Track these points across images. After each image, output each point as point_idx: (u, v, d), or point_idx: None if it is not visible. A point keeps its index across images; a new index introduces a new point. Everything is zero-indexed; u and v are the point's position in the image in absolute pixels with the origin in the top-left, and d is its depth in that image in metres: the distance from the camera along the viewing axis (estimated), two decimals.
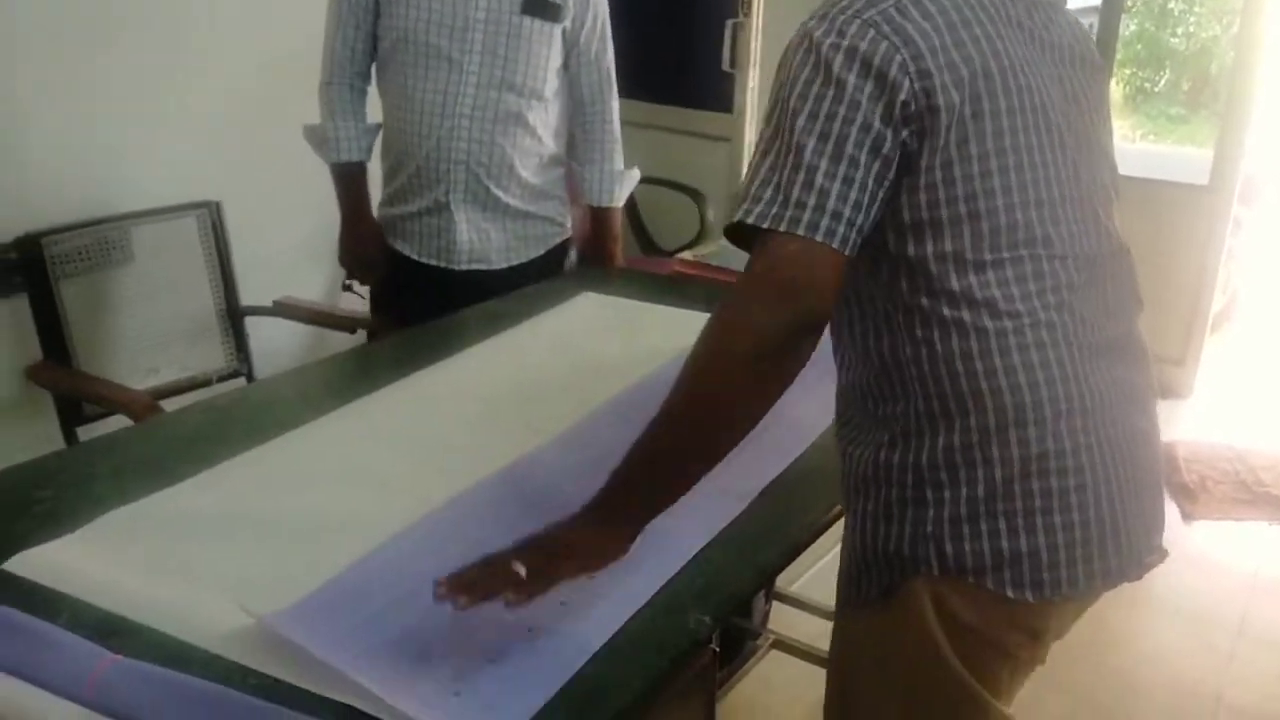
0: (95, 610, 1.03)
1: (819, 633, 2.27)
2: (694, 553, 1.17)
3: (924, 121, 0.97)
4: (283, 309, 2.61)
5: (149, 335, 2.48)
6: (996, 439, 1.00)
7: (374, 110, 2.19)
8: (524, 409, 1.54)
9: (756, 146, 1.02)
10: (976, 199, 0.99)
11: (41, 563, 1.11)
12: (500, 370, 1.71)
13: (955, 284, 1.00)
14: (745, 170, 1.05)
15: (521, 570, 0.96)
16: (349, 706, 0.89)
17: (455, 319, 1.96)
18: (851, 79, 0.96)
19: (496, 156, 2.09)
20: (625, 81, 2.31)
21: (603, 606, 1.06)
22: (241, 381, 2.62)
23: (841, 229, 0.95)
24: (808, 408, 1.49)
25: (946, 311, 1.00)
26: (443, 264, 2.16)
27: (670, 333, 1.84)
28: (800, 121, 0.96)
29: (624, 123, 2.30)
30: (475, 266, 2.17)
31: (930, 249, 1.00)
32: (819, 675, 2.12)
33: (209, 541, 1.18)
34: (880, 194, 0.97)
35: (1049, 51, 1.07)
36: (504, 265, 2.20)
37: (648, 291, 2.13)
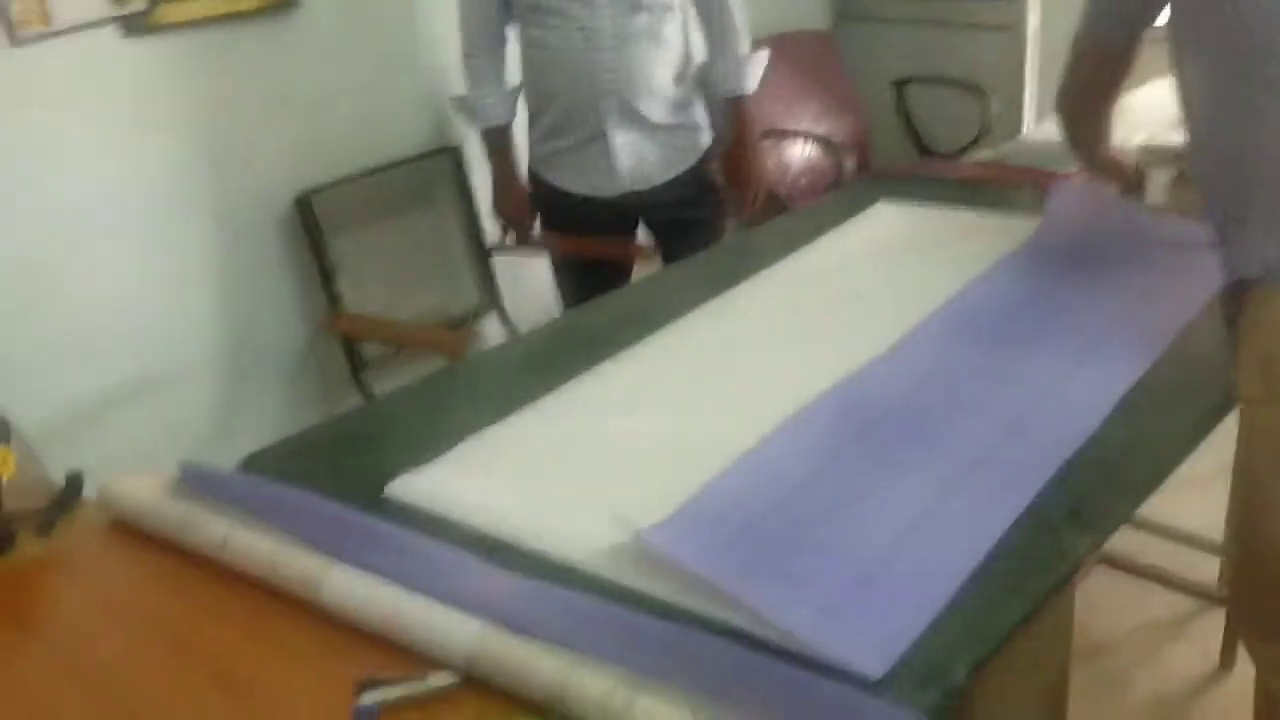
0: (474, 530, 1.09)
1: (1138, 549, 2.14)
2: (1056, 467, 1.10)
3: None
4: (537, 245, 2.53)
5: (408, 279, 2.61)
6: None
7: None
8: (848, 325, 1.51)
9: None
10: None
11: (418, 488, 1.19)
12: (811, 287, 1.67)
13: None
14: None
15: None
16: (734, 627, 0.90)
17: (747, 239, 1.94)
18: None
19: (641, 78, 2.14)
20: None
21: (967, 526, 1.02)
22: (494, 320, 2.74)
23: None
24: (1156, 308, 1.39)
25: None
26: (604, 194, 2.23)
27: (982, 239, 1.75)
28: None
29: (896, 20, 2.23)
30: (636, 188, 2.22)
31: None
32: (1145, 591, 2.01)
33: (567, 463, 1.23)
34: None
35: None
36: (662, 180, 2.24)
37: (945, 196, 2.03)
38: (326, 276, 2.45)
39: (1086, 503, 1.05)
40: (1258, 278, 1.21)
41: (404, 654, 0.92)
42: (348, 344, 2.49)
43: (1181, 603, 2.17)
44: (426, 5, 2.59)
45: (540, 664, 0.86)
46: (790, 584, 0.95)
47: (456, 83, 2.37)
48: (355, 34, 2.50)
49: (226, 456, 1.28)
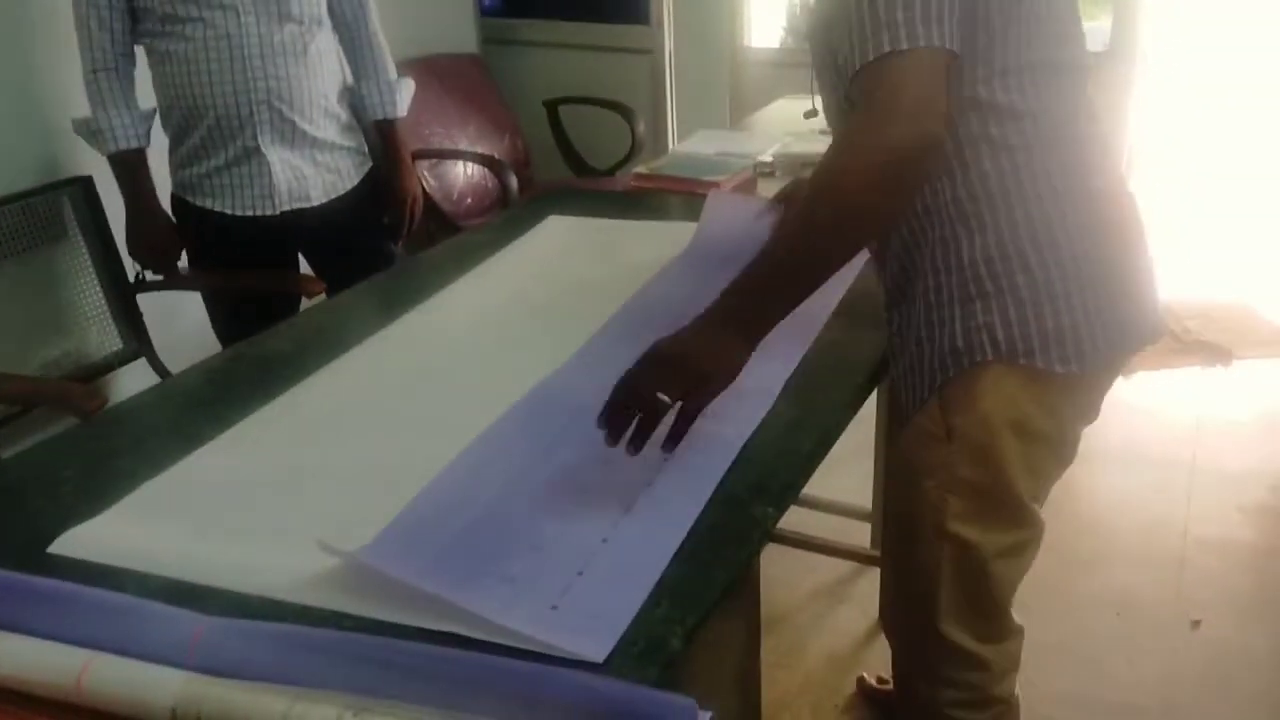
0: (160, 579, 1.01)
1: (800, 523, 2.34)
2: (738, 449, 1.19)
3: None
4: (186, 279, 2.35)
5: (33, 326, 2.38)
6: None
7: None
8: (533, 335, 1.54)
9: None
10: None
11: (89, 541, 1.08)
12: (491, 301, 1.69)
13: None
14: None
15: (668, 400, 1.08)
16: (453, 635, 0.90)
17: (421, 261, 1.93)
18: None
19: (296, 89, 2.09)
20: (537, 3, 2.31)
21: (667, 510, 1.08)
22: (143, 363, 2.53)
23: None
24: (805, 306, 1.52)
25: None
26: (262, 211, 2.15)
27: (648, 245, 1.85)
28: None
29: (542, 44, 2.31)
30: (296, 206, 2.17)
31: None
32: (810, 560, 2.20)
33: (254, 498, 1.17)
34: None
35: None
36: (323, 200, 2.20)
37: (609, 209, 2.13)
38: None
39: (767, 477, 1.15)
40: (980, 360, 1.18)
41: None
42: None
43: (842, 567, 2.40)
44: (42, 21, 2.35)
45: (257, 702, 0.82)
46: (509, 585, 0.97)
47: (81, 104, 2.17)
48: None
49: None
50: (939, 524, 1.27)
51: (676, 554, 1.01)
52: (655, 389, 1.09)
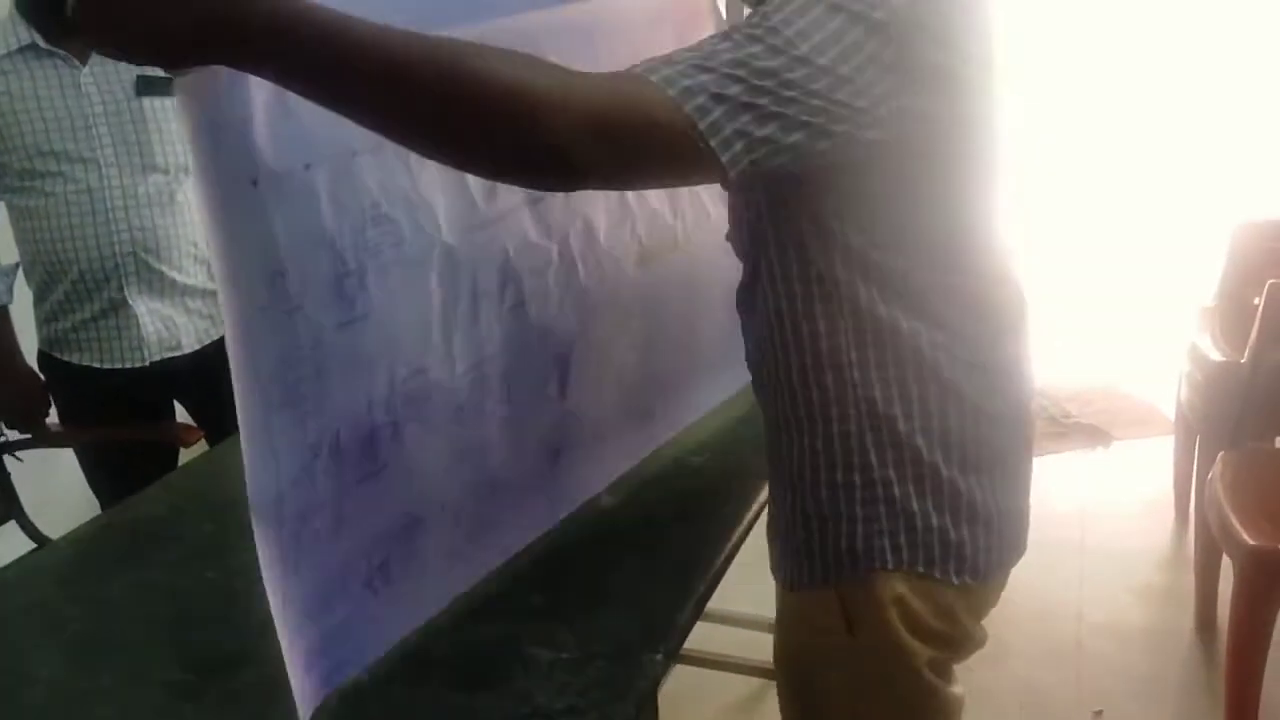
0: None
1: (702, 638, 2.31)
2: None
3: None
4: (56, 437, 2.24)
5: None
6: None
7: None
8: None
9: None
10: None
11: None
12: None
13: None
14: None
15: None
16: None
17: None
18: None
19: (163, 239, 2.06)
20: None
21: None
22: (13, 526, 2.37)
23: None
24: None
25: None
26: (132, 364, 2.10)
27: None
28: None
29: None
30: (167, 355, 2.13)
31: None
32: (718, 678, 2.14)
33: None
34: None
35: None
36: (195, 347, 2.16)
37: None
38: None
39: (656, 619, 1.14)
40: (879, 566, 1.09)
41: None
42: None
43: (751, 683, 2.37)
44: None
45: None
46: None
47: None
48: None
49: None
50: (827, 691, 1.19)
51: (563, 710, 0.99)
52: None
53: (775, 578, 1.21)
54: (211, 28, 0.76)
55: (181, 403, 2.28)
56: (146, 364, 2.10)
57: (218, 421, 2.13)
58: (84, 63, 1.99)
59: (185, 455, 2.18)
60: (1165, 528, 2.95)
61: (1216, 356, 2.61)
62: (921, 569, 1.09)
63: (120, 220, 2.02)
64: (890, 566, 1.08)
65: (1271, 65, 3.29)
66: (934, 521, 1.08)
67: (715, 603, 1.33)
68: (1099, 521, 2.97)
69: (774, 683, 2.28)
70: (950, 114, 0.97)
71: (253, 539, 0.93)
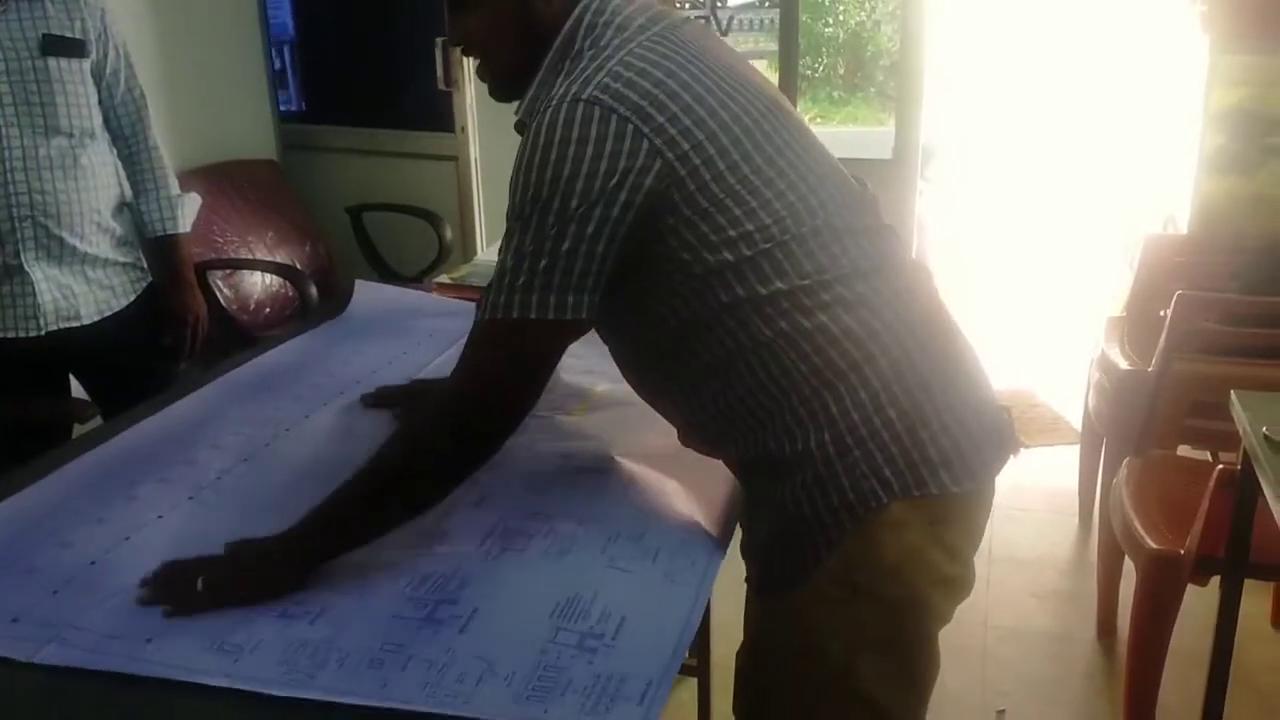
0: None
1: None
2: None
3: None
4: None
5: None
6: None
7: None
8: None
9: None
10: None
11: None
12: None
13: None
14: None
15: (199, 585, 1.11)
16: None
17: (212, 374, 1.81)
18: None
19: (64, 204, 1.98)
20: (338, 109, 2.25)
21: None
22: None
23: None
24: None
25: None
26: (26, 333, 2.01)
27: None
28: None
29: (343, 150, 2.23)
30: (64, 325, 2.04)
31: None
32: None
33: None
34: None
35: None
36: (95, 318, 2.08)
37: None
38: None
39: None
40: (875, 505, 1.11)
41: None
42: None
43: None
44: None
45: None
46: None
47: None
48: None
49: None
50: (850, 689, 1.18)
51: None
52: (195, 577, 1.12)
53: (762, 591, 1.22)
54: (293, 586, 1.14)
55: (77, 377, 2.17)
56: (42, 333, 2.01)
57: (113, 397, 2.04)
58: None
59: (79, 431, 2.07)
60: (1069, 534, 3.02)
61: (1124, 365, 2.68)
62: (916, 490, 1.11)
63: (20, 183, 1.92)
64: (885, 500, 1.10)
65: (1181, 80, 3.39)
66: (909, 443, 1.11)
67: None
68: (1006, 526, 3.02)
69: None
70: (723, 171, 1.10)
71: None
